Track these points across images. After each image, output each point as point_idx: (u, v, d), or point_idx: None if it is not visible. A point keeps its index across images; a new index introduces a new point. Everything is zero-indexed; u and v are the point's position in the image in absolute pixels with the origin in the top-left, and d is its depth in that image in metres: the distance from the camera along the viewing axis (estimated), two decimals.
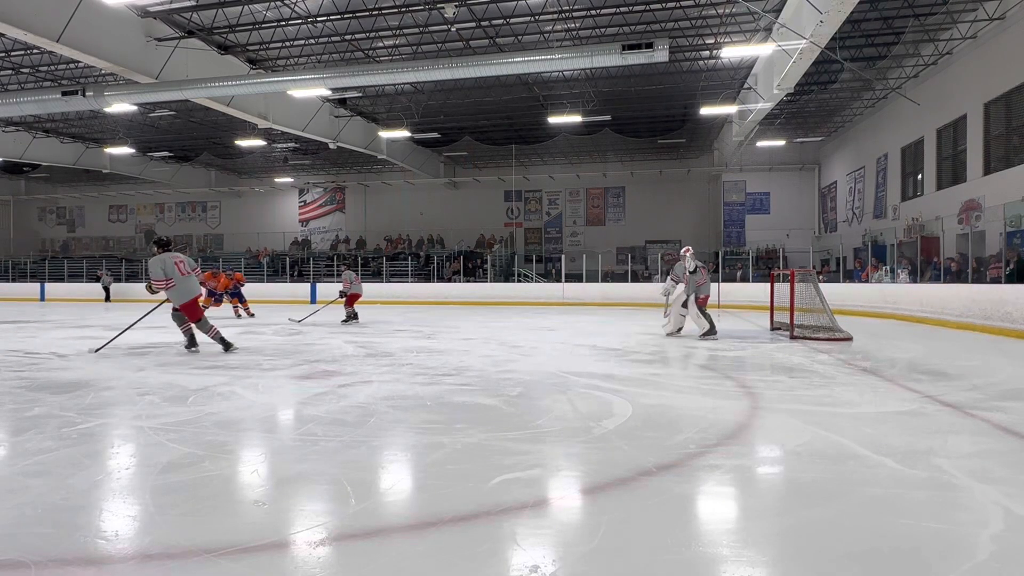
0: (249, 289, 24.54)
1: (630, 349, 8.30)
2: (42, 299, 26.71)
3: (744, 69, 17.58)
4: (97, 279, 28.20)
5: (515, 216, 30.74)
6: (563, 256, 25.15)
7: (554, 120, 19.93)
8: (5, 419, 4.28)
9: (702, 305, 9.55)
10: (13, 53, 16.14)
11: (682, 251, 9.77)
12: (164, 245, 7.74)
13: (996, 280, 11.67)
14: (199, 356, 7.51)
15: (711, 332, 9.36)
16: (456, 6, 13.04)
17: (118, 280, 27.42)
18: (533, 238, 30.52)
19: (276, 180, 32.28)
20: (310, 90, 15.87)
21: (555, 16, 14.14)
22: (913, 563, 2.11)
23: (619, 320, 12.73)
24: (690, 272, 9.55)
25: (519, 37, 15.33)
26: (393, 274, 25.83)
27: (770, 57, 15.04)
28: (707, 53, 16.53)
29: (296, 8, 13.83)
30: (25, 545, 2.21)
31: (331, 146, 21.94)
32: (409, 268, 25.93)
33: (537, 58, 12.94)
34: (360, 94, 19.77)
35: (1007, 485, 2.83)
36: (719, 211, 27.59)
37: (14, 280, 29.60)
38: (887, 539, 2.27)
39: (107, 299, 25.92)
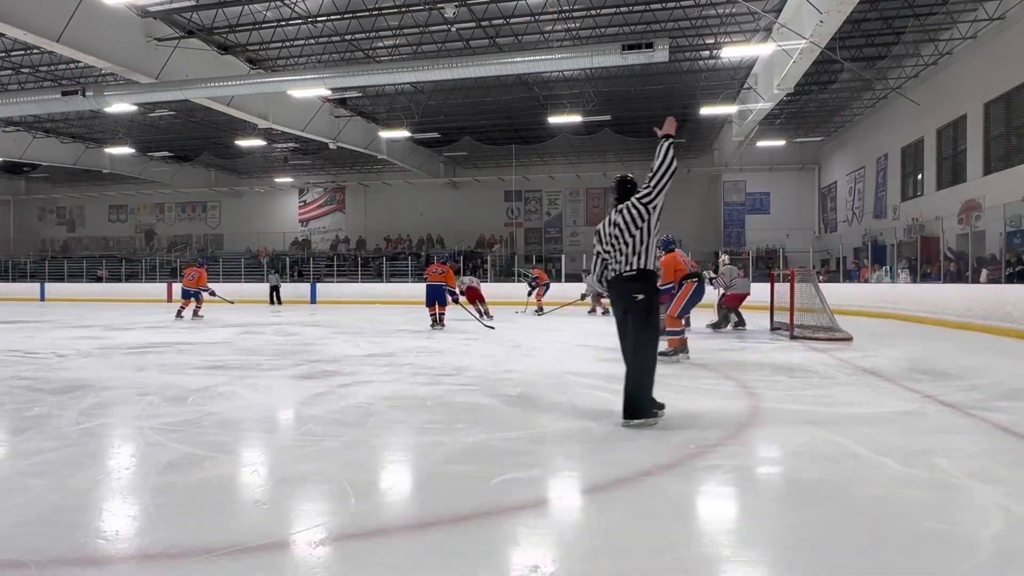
0: (252, 289, 24.72)
1: None
2: (42, 299, 26.68)
3: (744, 69, 17.57)
4: (98, 279, 28.01)
5: (515, 216, 30.72)
6: (563, 256, 25.11)
7: (554, 120, 19.90)
8: (5, 419, 4.28)
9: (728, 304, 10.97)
10: (13, 53, 16.12)
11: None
12: None
13: (993, 280, 11.67)
14: (198, 356, 7.51)
15: (718, 326, 10.89)
16: (456, 6, 13.03)
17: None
18: (533, 238, 30.50)
19: (276, 180, 32.26)
20: (310, 90, 15.86)
21: (555, 16, 14.13)
22: (913, 563, 2.11)
23: None
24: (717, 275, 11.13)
25: (519, 37, 15.32)
26: (393, 274, 25.79)
27: (770, 57, 15.03)
28: (707, 53, 16.51)
29: (296, 8, 13.82)
30: (25, 545, 2.21)
31: (331, 146, 21.92)
32: (409, 268, 25.89)
33: (537, 58, 12.94)
34: (360, 94, 19.75)
35: (1007, 485, 2.83)
36: (719, 211, 27.57)
37: (14, 280, 29.54)
38: (887, 539, 2.27)
39: (274, 301, 22.35)
